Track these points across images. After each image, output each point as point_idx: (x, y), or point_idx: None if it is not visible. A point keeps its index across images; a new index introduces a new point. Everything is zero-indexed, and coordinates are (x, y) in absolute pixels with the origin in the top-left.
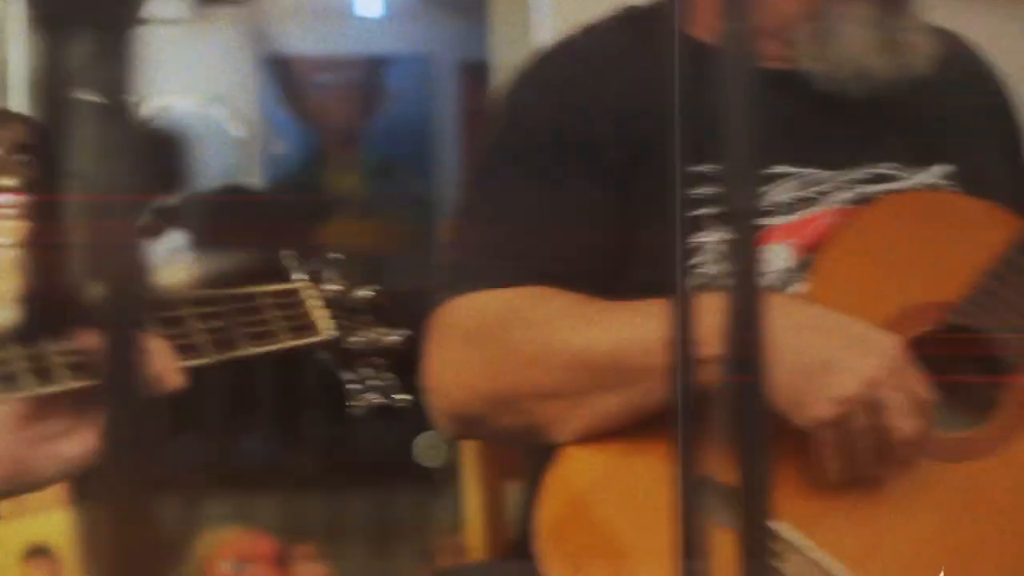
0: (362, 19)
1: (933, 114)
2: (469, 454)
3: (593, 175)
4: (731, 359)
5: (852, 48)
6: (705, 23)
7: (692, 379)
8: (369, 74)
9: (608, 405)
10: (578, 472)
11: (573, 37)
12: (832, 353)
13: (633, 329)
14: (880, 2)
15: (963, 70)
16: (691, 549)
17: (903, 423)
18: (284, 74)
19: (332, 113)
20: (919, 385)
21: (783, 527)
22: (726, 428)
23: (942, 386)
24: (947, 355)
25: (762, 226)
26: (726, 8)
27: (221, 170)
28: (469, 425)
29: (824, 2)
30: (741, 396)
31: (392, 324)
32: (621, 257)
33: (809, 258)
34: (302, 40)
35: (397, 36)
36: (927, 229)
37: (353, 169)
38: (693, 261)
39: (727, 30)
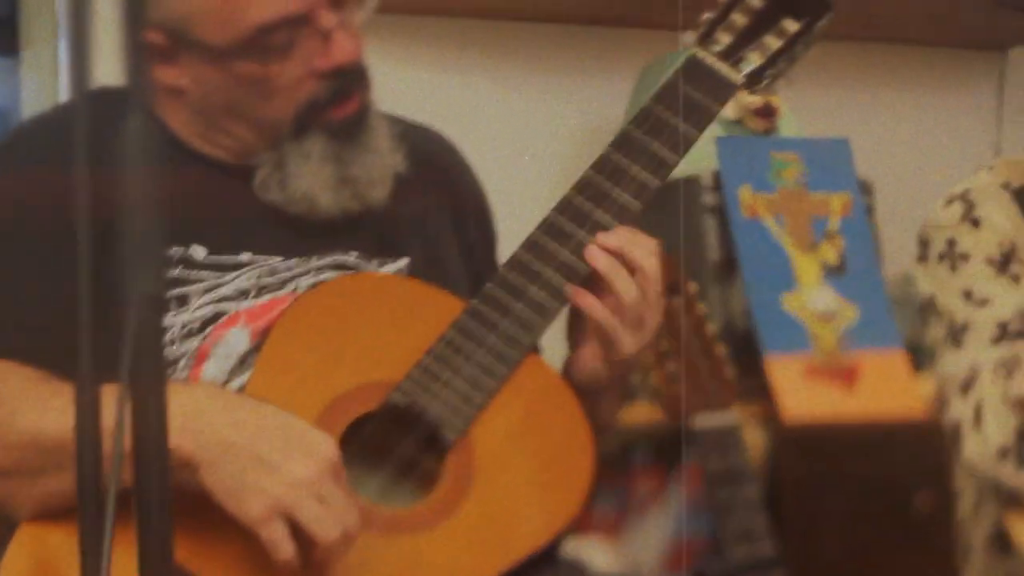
0: None
1: (398, 209)
2: None
3: (59, 255)
4: (135, 449)
5: (306, 185)
6: (177, 117)
7: (96, 468)
8: None
9: (60, 485)
10: (34, 548)
11: (46, 114)
12: (267, 454)
13: (57, 413)
14: (336, 138)
15: (434, 168)
16: None
17: (328, 525)
18: None
19: None
20: (342, 492)
21: None
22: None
23: (387, 462)
24: (390, 432)
25: (167, 309)
26: (130, 102)
27: None
28: None
29: (281, 136)
30: (142, 485)
31: None
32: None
33: (261, 342)
34: None
35: None
36: (373, 312)
37: None
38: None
39: (129, 123)
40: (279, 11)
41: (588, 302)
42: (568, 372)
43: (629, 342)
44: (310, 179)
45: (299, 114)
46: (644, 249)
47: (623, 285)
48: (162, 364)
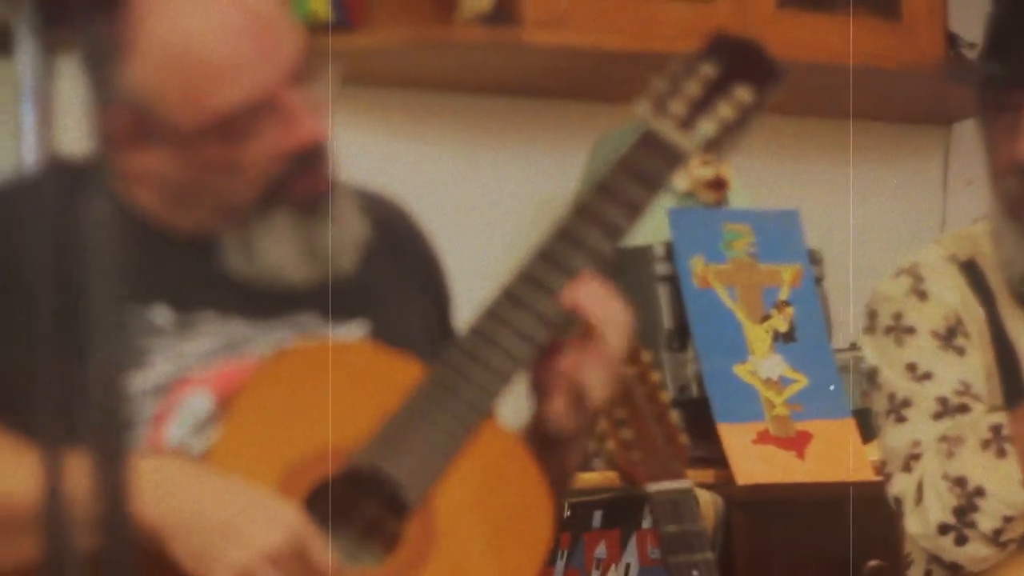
0: None
1: (359, 273)
2: None
3: (20, 319)
4: (101, 520)
5: (274, 261)
6: (142, 195)
7: (65, 536)
8: None
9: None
10: None
11: (11, 181)
12: (232, 521)
13: (22, 477)
14: (300, 210)
15: (391, 235)
16: None
17: None
18: None
19: None
20: (315, 555)
21: None
22: None
23: (350, 525)
24: (353, 496)
25: (125, 380)
26: (95, 180)
27: None
28: None
29: (247, 215)
30: (106, 558)
31: None
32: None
33: (226, 406)
34: None
35: None
36: (335, 376)
37: None
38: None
39: (94, 198)
40: (240, 97)
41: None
42: (536, 426)
43: (601, 389)
44: (278, 253)
45: (265, 194)
46: (613, 301)
47: (614, 333)
48: (126, 438)
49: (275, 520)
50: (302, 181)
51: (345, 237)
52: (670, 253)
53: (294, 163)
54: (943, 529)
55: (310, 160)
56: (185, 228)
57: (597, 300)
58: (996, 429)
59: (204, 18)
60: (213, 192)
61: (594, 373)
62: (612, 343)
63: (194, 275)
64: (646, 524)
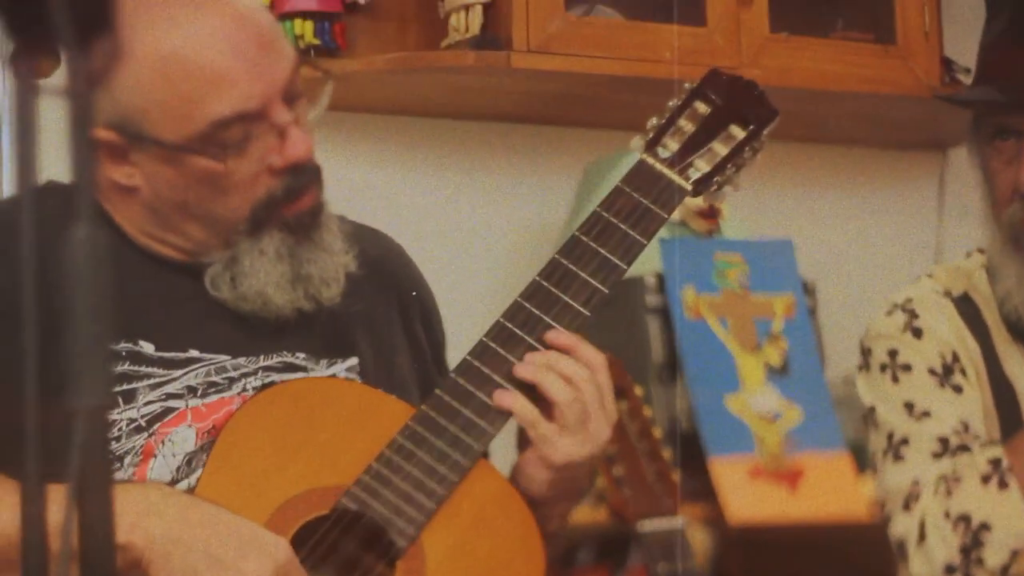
0: None
1: (347, 309)
2: None
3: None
4: (83, 554)
5: (260, 283)
6: (127, 215)
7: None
8: None
9: None
10: None
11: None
12: (221, 553)
13: (5, 514)
14: (291, 235)
15: (382, 270)
16: None
17: None
18: None
19: None
20: None
21: None
22: None
23: (336, 567)
24: (340, 538)
25: (111, 411)
26: (77, 210)
27: None
28: None
29: (236, 234)
30: None
31: None
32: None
33: (212, 442)
34: None
35: None
36: (323, 416)
37: None
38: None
39: (76, 231)
40: (235, 107)
41: (508, 401)
42: (514, 478)
43: (568, 445)
44: (264, 277)
45: (255, 211)
46: (583, 359)
47: (554, 388)
48: (109, 476)
49: (264, 552)
50: (292, 201)
51: (331, 265)
52: (661, 284)
53: (284, 182)
54: (949, 570)
55: (301, 180)
56: (170, 254)
57: (556, 372)
58: (995, 463)
59: (200, 26)
60: (201, 211)
61: (561, 431)
62: (572, 419)
63: (180, 307)
64: (636, 562)
